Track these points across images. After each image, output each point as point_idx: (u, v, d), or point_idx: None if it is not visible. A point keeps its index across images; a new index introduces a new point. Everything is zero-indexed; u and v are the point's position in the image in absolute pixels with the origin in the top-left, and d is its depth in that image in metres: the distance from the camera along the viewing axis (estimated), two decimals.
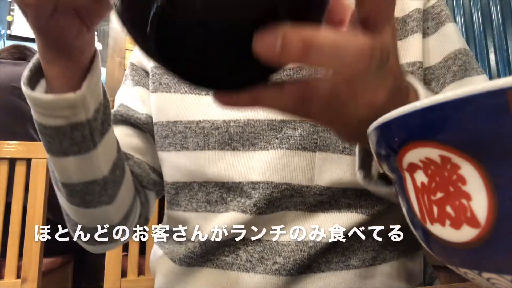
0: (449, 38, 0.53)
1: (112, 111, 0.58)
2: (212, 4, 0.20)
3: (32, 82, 0.39)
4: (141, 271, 1.17)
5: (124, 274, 1.14)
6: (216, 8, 0.20)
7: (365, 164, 0.36)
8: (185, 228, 0.53)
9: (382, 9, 0.23)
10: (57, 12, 0.33)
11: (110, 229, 0.51)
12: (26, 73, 0.39)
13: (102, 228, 0.51)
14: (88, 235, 0.52)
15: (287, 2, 0.21)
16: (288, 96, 0.25)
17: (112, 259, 1.12)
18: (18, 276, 1.12)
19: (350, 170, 0.45)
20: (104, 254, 1.12)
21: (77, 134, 0.41)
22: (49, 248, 1.21)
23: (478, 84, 0.43)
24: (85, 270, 1.75)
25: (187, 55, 0.22)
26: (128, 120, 0.57)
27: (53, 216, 1.52)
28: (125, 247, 1.16)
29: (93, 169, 0.44)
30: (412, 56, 0.50)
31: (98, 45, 3.64)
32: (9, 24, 3.44)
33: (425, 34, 0.53)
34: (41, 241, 1.13)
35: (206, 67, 0.23)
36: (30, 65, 0.39)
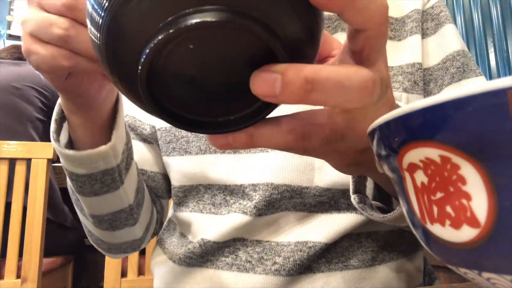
0: (448, 40, 0.53)
1: None
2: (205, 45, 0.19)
3: (58, 133, 0.40)
4: (141, 271, 1.17)
5: (124, 274, 1.14)
6: (208, 49, 0.19)
7: (359, 188, 0.36)
8: (188, 229, 0.53)
9: (376, 40, 0.22)
10: (73, 74, 0.33)
11: (134, 242, 0.54)
12: (52, 126, 0.39)
13: (126, 243, 0.53)
14: (112, 248, 0.54)
15: (281, 40, 0.19)
16: (287, 133, 0.23)
17: (112, 259, 1.12)
18: (18, 276, 1.12)
19: None
20: (104, 254, 1.12)
21: (107, 178, 0.42)
22: (49, 248, 1.21)
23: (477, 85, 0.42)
24: (85, 270, 1.75)
25: (179, 98, 0.21)
26: (134, 131, 0.58)
27: (53, 216, 1.52)
28: None
29: (121, 201, 0.46)
30: (411, 57, 0.50)
31: None
32: (9, 24, 3.44)
33: (424, 35, 0.53)
34: (41, 241, 1.13)
35: (199, 109, 0.22)
36: (54, 116, 0.39)
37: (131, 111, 0.59)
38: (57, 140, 0.39)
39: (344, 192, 0.46)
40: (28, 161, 1.15)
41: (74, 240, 1.66)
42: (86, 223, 0.50)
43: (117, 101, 0.41)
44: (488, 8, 2.39)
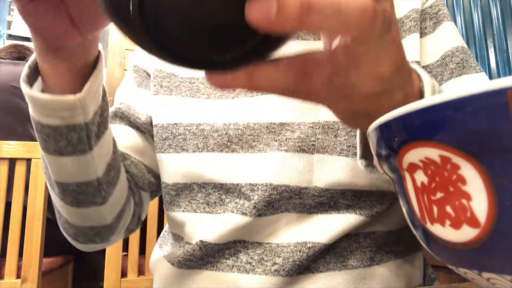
0: (447, 37, 0.53)
1: (113, 108, 0.58)
2: None
3: (31, 80, 0.39)
4: (141, 271, 1.17)
5: (124, 274, 1.14)
6: None
7: (366, 153, 0.35)
8: (183, 230, 0.53)
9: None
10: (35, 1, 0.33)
11: (102, 228, 0.51)
12: (25, 70, 0.39)
13: (93, 228, 0.50)
14: (79, 234, 0.51)
15: None
16: (287, 71, 0.23)
17: (112, 259, 1.12)
18: (18, 276, 1.12)
19: (348, 172, 0.45)
20: (104, 254, 1.12)
21: (73, 136, 0.41)
22: (49, 248, 1.21)
23: (475, 82, 0.43)
24: (85, 270, 1.75)
25: (175, 33, 0.21)
26: (128, 119, 0.57)
27: (53, 216, 1.52)
28: (125, 247, 1.16)
29: (88, 170, 0.44)
30: (409, 57, 0.50)
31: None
32: (9, 24, 3.44)
33: (422, 34, 0.53)
34: (41, 241, 1.13)
35: (196, 44, 0.22)
36: (29, 62, 0.39)
37: (127, 100, 0.58)
38: (27, 82, 0.38)
39: (344, 193, 0.46)
40: (28, 161, 1.15)
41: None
42: (55, 199, 0.49)
43: (98, 61, 0.40)
44: (488, 8, 2.39)
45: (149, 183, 0.57)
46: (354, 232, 0.47)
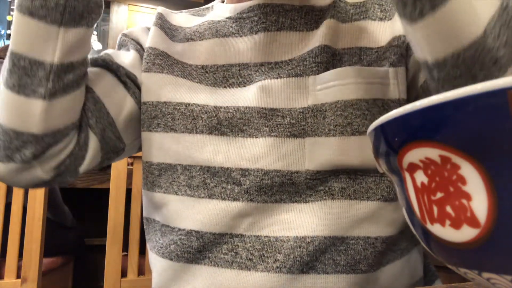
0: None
1: (94, 56, 0.56)
2: None
3: None
4: (141, 271, 1.17)
5: (124, 274, 1.14)
6: None
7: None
8: (164, 214, 0.51)
9: None
10: None
11: (27, 138, 0.45)
12: None
13: (18, 133, 0.45)
14: (13, 151, 0.45)
15: None
16: None
17: (112, 259, 1.12)
18: (18, 276, 1.12)
19: (337, 151, 0.45)
20: (104, 254, 1.12)
21: None
22: (49, 248, 1.21)
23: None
24: (85, 270, 1.75)
25: None
26: (109, 66, 0.55)
27: (53, 216, 1.52)
28: (125, 247, 1.16)
29: (46, 47, 0.43)
30: (398, 31, 0.50)
31: (98, 45, 3.65)
32: (9, 24, 3.44)
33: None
34: (41, 241, 1.13)
35: None
36: None
37: (113, 53, 0.57)
38: None
39: (337, 175, 0.46)
40: None
41: (74, 240, 1.66)
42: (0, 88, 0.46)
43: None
44: None
45: (103, 130, 0.52)
46: (363, 235, 0.46)
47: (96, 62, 0.55)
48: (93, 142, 0.52)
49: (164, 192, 0.52)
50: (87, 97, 0.51)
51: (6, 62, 0.45)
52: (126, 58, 0.56)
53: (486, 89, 0.14)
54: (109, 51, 0.58)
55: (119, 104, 0.54)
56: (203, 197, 0.48)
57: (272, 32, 0.52)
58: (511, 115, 0.14)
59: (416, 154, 0.17)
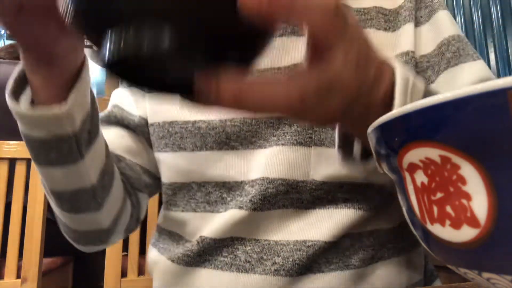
0: (442, 25, 0.53)
1: (106, 111, 0.58)
2: None
3: (18, 93, 0.39)
4: (141, 271, 1.17)
5: (124, 274, 1.14)
6: None
7: (345, 144, 0.35)
8: (183, 229, 0.53)
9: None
10: (25, 9, 0.32)
11: (100, 232, 0.51)
12: (10, 84, 0.38)
13: (92, 231, 0.51)
14: (79, 237, 0.52)
15: None
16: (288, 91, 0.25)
17: (112, 259, 1.12)
18: (18, 276, 1.12)
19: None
20: (104, 254, 1.12)
21: (63, 146, 0.40)
22: (49, 248, 1.21)
23: (473, 70, 0.44)
24: (85, 270, 1.75)
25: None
26: (121, 122, 0.57)
27: (53, 216, 1.51)
28: (125, 247, 1.16)
29: (81, 179, 0.44)
30: (404, 46, 0.50)
31: None
32: None
33: (418, 23, 0.53)
34: (41, 241, 1.13)
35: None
36: (14, 74, 0.39)
37: (119, 102, 0.58)
38: (13, 96, 0.38)
39: (341, 186, 0.46)
40: (28, 161, 1.15)
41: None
42: (53, 205, 0.49)
43: (82, 67, 0.40)
44: (488, 8, 2.39)
45: (145, 184, 0.57)
46: (357, 231, 0.47)
47: (110, 120, 0.57)
48: (142, 197, 0.59)
49: (182, 211, 0.52)
50: (121, 166, 0.55)
51: (49, 194, 0.47)
52: (133, 106, 0.57)
53: (486, 89, 0.14)
54: (117, 101, 0.58)
55: (145, 155, 0.57)
56: (221, 212, 0.49)
57: (276, 37, 0.52)
58: (511, 115, 0.14)
59: (416, 154, 0.17)
